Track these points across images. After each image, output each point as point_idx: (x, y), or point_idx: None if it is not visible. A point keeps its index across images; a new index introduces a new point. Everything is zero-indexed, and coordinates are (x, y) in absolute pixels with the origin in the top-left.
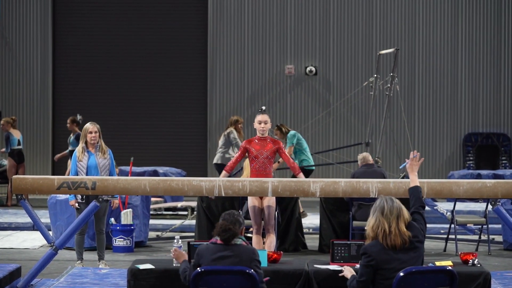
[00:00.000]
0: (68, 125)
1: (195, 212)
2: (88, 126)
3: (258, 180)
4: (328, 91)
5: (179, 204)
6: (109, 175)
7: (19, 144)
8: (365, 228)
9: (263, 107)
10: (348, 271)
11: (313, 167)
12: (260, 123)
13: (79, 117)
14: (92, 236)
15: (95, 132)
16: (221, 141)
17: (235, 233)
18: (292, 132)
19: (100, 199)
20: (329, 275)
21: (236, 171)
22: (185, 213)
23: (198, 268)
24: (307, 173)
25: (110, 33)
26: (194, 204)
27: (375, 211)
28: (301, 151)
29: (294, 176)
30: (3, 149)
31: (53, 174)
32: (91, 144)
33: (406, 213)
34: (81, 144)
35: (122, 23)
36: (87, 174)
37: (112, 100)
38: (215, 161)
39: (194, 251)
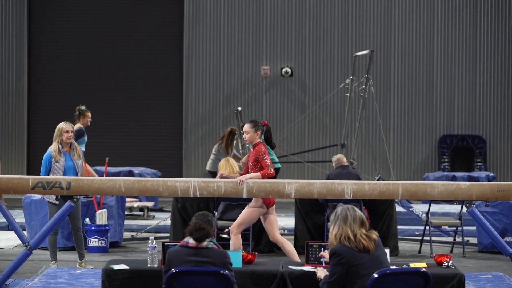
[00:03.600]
0: None
1: (149, 213)
2: (63, 125)
3: (233, 181)
4: (304, 92)
5: (135, 204)
6: None
7: None
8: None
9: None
10: (321, 272)
11: (279, 165)
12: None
13: None
14: (67, 236)
15: (71, 132)
16: (215, 149)
17: (209, 232)
18: None
19: (75, 199)
20: (303, 276)
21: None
22: (141, 213)
23: (173, 269)
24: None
25: (87, 33)
26: (150, 204)
27: (337, 220)
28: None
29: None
30: None
31: (28, 174)
32: (65, 144)
33: (365, 219)
34: (56, 144)
35: (98, 23)
36: (64, 176)
37: (88, 100)
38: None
39: None
